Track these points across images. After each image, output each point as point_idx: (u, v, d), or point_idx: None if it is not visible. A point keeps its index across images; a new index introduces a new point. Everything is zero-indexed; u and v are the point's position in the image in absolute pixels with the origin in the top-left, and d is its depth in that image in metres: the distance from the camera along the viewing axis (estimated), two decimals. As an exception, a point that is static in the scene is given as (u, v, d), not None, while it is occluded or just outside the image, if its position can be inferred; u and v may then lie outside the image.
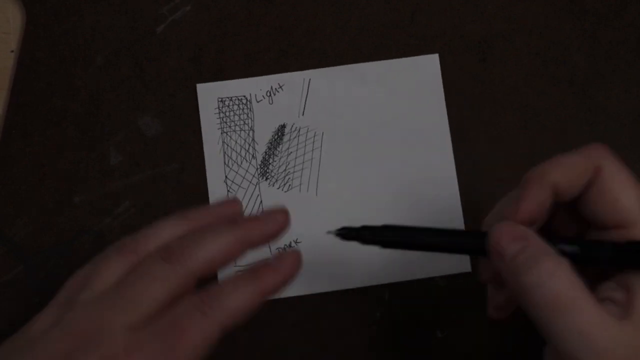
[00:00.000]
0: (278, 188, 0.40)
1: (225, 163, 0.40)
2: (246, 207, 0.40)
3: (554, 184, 0.29)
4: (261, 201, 0.40)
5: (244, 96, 0.41)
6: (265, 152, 0.41)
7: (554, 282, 0.27)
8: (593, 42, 0.41)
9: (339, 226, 0.37)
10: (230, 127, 0.41)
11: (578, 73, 0.41)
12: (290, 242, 0.39)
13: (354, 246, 0.38)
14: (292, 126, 0.41)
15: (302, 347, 0.38)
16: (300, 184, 0.40)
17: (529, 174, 0.29)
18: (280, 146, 0.41)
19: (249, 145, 0.41)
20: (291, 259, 0.32)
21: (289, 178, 0.40)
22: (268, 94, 0.41)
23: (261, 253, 0.34)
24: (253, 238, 0.32)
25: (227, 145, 0.41)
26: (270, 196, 0.40)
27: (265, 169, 0.40)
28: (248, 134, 0.41)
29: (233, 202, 0.33)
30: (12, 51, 0.42)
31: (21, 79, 0.41)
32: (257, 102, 0.41)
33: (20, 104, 0.40)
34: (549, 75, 0.40)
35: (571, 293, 0.27)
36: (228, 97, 0.41)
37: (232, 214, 0.33)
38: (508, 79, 0.40)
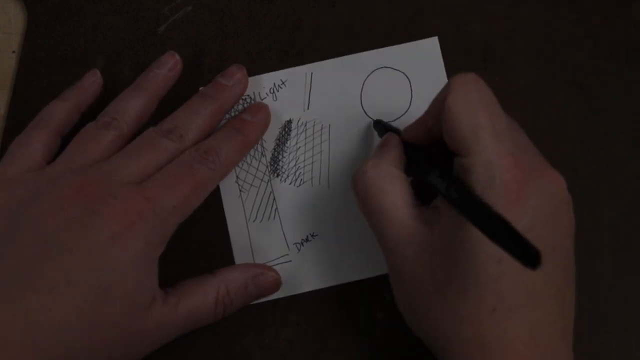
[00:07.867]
0: (290, 184, 0.40)
1: (235, 163, 0.40)
2: (260, 205, 0.40)
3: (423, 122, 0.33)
4: (274, 198, 0.40)
5: (248, 95, 0.41)
6: (274, 149, 0.41)
7: (383, 196, 0.32)
8: (594, 42, 0.41)
9: (353, 216, 0.37)
10: (236, 126, 0.40)
11: (579, 73, 0.41)
12: (307, 236, 0.39)
13: (367, 236, 0.38)
14: (299, 121, 0.41)
15: (302, 348, 0.38)
16: (311, 178, 0.40)
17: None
18: (289, 142, 0.41)
19: (257, 143, 0.40)
20: (264, 112, 0.39)
21: (300, 173, 0.40)
22: (271, 90, 0.41)
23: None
24: (226, 105, 0.39)
25: (236, 144, 0.40)
26: (283, 192, 0.40)
27: (276, 165, 0.40)
28: (255, 132, 0.41)
29: (172, 64, 0.39)
30: (14, 52, 0.42)
31: (22, 79, 0.41)
32: (262, 99, 0.41)
33: (22, 104, 0.40)
34: (550, 76, 0.40)
35: (392, 197, 0.32)
36: (232, 97, 0.41)
37: (176, 74, 0.39)
38: (509, 80, 0.41)
